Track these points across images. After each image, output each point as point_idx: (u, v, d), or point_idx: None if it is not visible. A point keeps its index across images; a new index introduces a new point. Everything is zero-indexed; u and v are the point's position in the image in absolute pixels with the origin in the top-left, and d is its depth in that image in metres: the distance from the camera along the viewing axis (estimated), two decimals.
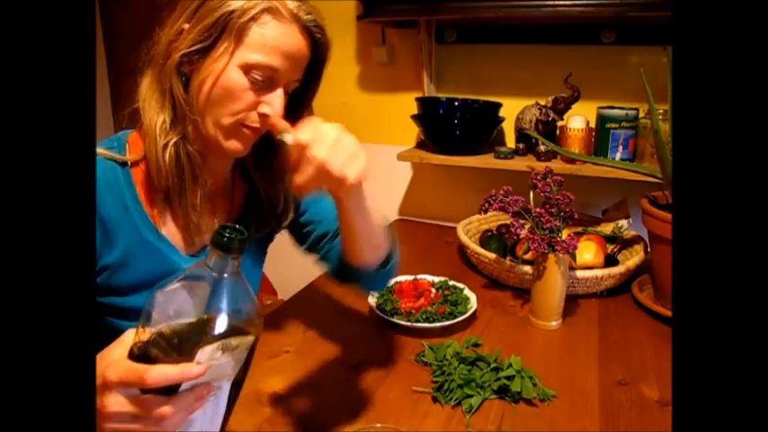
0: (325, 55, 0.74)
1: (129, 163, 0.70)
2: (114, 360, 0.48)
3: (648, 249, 1.17)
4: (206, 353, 0.46)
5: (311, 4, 0.70)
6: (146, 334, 0.48)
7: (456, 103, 1.46)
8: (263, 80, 0.67)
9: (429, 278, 1.11)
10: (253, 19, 0.65)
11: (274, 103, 0.68)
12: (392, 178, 1.74)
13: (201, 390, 0.48)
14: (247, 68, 0.66)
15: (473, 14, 1.32)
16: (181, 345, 0.47)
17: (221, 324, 0.47)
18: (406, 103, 1.58)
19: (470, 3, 1.29)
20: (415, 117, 1.49)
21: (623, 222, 1.28)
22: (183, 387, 0.46)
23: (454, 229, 1.36)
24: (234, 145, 0.70)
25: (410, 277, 1.11)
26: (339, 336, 0.93)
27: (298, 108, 0.76)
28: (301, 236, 0.89)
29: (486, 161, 1.43)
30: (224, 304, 0.48)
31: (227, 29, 0.65)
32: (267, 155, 0.81)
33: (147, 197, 0.71)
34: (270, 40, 0.66)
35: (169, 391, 0.46)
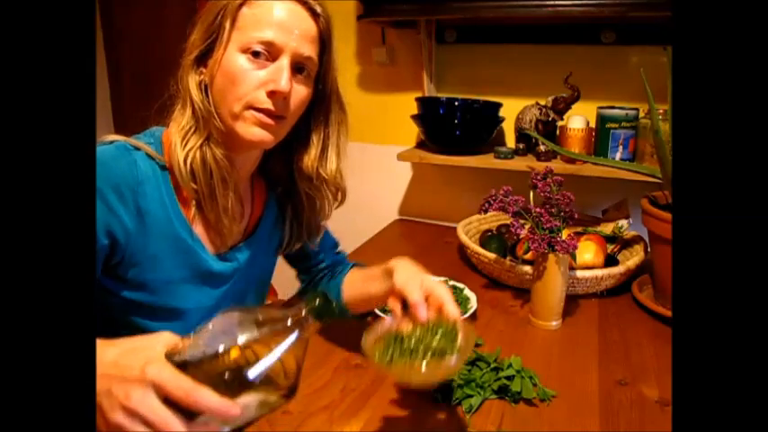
0: (327, 27, 0.72)
1: (168, 167, 0.71)
2: (156, 359, 0.45)
3: (648, 249, 1.17)
4: (249, 399, 0.45)
5: None
6: (195, 348, 0.46)
7: (456, 103, 1.46)
8: (265, 58, 0.67)
9: None
10: (242, 4, 0.67)
11: (278, 77, 0.66)
12: (392, 178, 1.74)
13: (212, 428, 0.45)
14: (245, 48, 0.67)
15: (473, 14, 1.32)
16: (232, 379, 0.45)
17: (277, 380, 0.47)
18: (406, 103, 1.58)
19: (470, 3, 1.29)
20: (415, 117, 1.49)
21: (623, 222, 1.28)
22: (202, 419, 0.44)
23: (454, 229, 1.36)
24: (251, 132, 0.68)
25: None
26: (339, 336, 0.93)
27: (317, 93, 0.76)
28: (296, 257, 0.94)
29: (486, 161, 1.43)
30: (288, 362, 0.48)
31: (223, 22, 0.67)
32: (300, 151, 0.80)
33: (182, 198, 0.72)
34: (261, 16, 0.67)
35: (184, 413, 0.44)
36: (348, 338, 0.92)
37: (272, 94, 0.67)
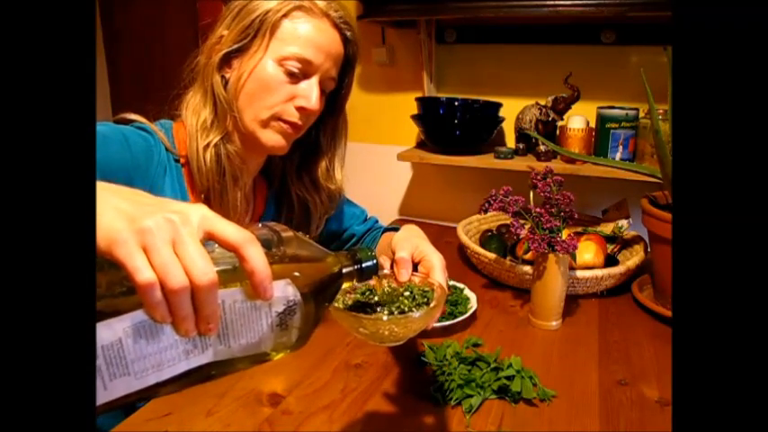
0: (355, 52, 0.77)
1: (181, 162, 0.73)
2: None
3: (648, 249, 1.17)
4: (281, 290, 0.41)
5: (340, 3, 0.73)
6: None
7: (456, 103, 1.46)
8: (299, 73, 0.70)
9: None
10: (285, 15, 0.69)
11: (310, 95, 0.71)
12: (392, 178, 1.74)
13: (216, 319, 0.37)
14: (281, 61, 0.69)
15: (473, 14, 1.33)
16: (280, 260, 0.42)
17: (309, 298, 0.44)
18: (406, 103, 1.58)
19: (470, 3, 1.29)
20: (415, 117, 1.49)
21: (623, 222, 1.28)
22: (226, 301, 0.39)
23: (454, 229, 1.36)
24: (274, 140, 0.72)
25: None
26: (339, 336, 0.93)
27: (333, 109, 0.80)
28: (325, 239, 0.95)
29: (486, 161, 1.43)
30: (327, 291, 0.47)
31: (262, 27, 0.69)
32: (308, 159, 0.84)
33: (192, 193, 0.74)
34: (302, 33, 0.69)
35: None
36: (348, 338, 0.92)
37: (300, 110, 0.71)
